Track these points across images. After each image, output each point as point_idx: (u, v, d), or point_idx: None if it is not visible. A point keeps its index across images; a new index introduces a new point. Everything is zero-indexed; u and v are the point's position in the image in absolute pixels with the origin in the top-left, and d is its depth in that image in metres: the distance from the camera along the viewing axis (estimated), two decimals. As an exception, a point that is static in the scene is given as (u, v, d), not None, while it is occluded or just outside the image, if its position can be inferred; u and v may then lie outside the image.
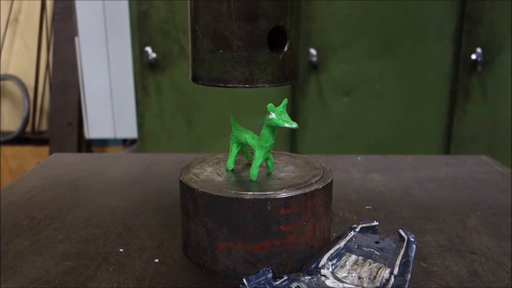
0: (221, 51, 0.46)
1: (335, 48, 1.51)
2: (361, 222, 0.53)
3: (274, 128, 0.50)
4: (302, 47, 1.45)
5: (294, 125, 0.47)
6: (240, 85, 0.47)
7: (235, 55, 0.46)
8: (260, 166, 0.52)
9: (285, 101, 0.49)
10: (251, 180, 0.51)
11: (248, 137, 0.53)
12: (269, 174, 0.53)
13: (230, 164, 0.55)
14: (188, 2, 0.48)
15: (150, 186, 0.77)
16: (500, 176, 0.83)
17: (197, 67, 0.49)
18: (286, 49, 0.48)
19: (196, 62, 0.49)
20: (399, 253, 0.47)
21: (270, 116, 0.48)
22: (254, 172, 0.51)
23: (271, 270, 0.44)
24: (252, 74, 0.47)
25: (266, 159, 0.53)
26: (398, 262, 0.46)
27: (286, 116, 0.48)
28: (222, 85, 0.47)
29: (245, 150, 0.57)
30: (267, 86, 0.48)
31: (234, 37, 0.46)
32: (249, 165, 0.56)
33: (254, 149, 0.52)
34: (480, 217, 0.65)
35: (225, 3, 0.45)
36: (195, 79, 0.50)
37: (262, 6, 0.45)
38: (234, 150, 0.55)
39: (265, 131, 0.50)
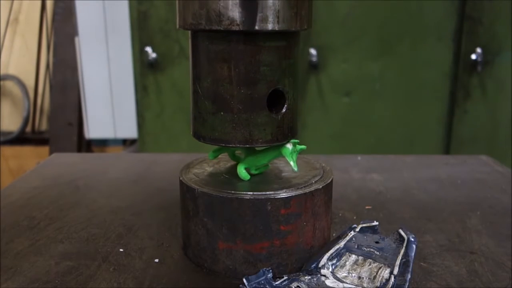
0: (222, 113, 0.47)
1: (335, 48, 1.51)
2: (361, 222, 0.53)
3: (279, 155, 0.51)
4: (302, 47, 1.45)
5: (296, 169, 0.50)
6: (241, 145, 0.48)
7: (235, 117, 0.47)
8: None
9: (303, 147, 0.50)
10: (251, 180, 0.51)
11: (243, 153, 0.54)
12: (269, 174, 0.54)
13: (211, 155, 0.56)
14: (190, 63, 0.49)
15: (150, 186, 0.77)
16: (500, 176, 0.83)
17: (198, 126, 0.50)
18: (284, 109, 0.49)
19: (198, 121, 0.50)
20: (399, 253, 0.47)
21: (287, 146, 0.50)
22: (242, 174, 0.51)
23: (271, 270, 0.44)
24: (252, 135, 0.48)
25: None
26: (398, 262, 0.46)
27: (295, 157, 0.50)
28: (223, 145, 0.49)
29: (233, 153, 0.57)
30: (266, 145, 0.49)
31: (235, 100, 0.47)
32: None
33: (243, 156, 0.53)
34: (480, 217, 0.65)
35: (226, 68, 0.46)
36: (196, 136, 0.51)
37: (262, 71, 0.46)
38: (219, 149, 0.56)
39: (270, 152, 0.51)
